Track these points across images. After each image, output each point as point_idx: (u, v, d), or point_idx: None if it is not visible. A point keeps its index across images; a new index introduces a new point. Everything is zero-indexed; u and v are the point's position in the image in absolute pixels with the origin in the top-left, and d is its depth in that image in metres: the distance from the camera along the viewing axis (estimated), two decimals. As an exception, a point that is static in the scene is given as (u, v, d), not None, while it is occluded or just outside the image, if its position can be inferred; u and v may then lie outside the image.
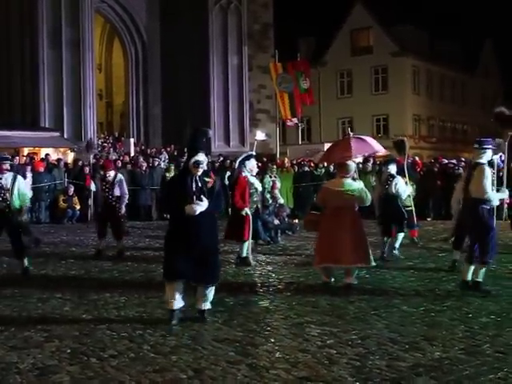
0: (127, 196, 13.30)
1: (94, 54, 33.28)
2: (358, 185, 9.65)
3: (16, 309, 8.30)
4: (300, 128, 33.42)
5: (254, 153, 12.76)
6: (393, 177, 12.32)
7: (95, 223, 14.30)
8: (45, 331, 7.06)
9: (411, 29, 47.51)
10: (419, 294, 8.99)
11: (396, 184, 12.24)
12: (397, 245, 12.33)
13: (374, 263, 9.60)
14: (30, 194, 11.16)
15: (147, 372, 5.65)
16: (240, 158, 12.09)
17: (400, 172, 12.82)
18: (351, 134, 11.01)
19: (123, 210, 13.15)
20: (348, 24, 49.06)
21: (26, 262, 10.82)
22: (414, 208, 13.87)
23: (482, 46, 55.19)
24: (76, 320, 7.66)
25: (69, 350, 6.35)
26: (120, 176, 13.33)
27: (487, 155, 9.00)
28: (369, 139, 10.72)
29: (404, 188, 12.41)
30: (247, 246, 11.92)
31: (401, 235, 12.40)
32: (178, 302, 7.44)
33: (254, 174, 11.82)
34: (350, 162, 9.69)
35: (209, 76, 35.73)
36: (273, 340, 6.63)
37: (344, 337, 6.70)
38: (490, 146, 9.06)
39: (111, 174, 13.13)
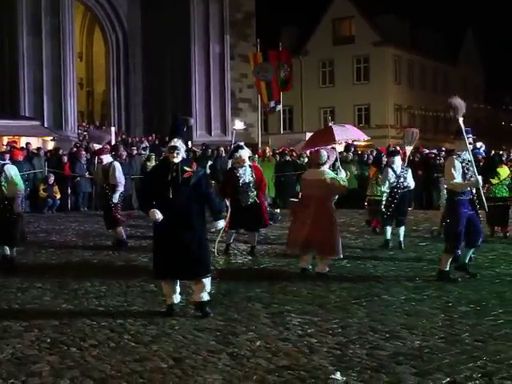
0: (120, 184, 12.52)
1: (75, 42, 32.98)
2: (332, 173, 9.79)
3: (-5, 298, 8.26)
4: (277, 110, 33.25)
5: (240, 143, 12.67)
6: (407, 168, 12.36)
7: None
8: (24, 321, 7.02)
9: (393, 18, 47.64)
10: (400, 283, 9.04)
11: (410, 176, 12.34)
12: (402, 238, 12.34)
13: (341, 255, 9.76)
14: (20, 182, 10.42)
15: (128, 361, 5.64)
16: (229, 153, 12.00)
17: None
18: (332, 122, 11.07)
19: (115, 199, 12.44)
20: (330, 13, 49.09)
21: (13, 252, 10.60)
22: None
23: (463, 35, 55.43)
24: (56, 309, 7.63)
25: (49, 340, 6.33)
26: (114, 163, 12.75)
27: (462, 145, 8.98)
28: (350, 127, 10.78)
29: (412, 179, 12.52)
30: (231, 235, 12.03)
31: (403, 228, 12.43)
32: (176, 297, 7.43)
33: (244, 164, 11.63)
34: (322, 151, 9.77)
35: (190, 65, 35.52)
36: (253, 329, 6.64)
37: (324, 326, 6.73)
38: (469, 135, 9.08)
39: (103, 158, 12.75)
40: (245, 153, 11.73)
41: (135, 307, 7.68)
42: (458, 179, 8.87)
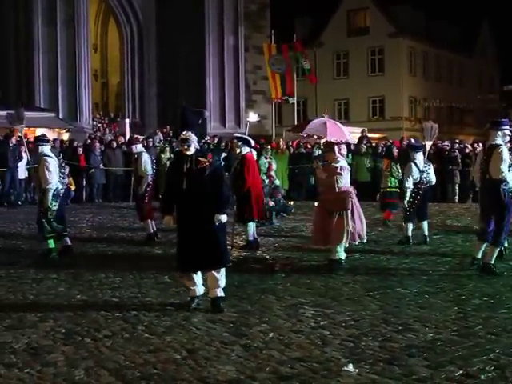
0: (147, 175, 12.14)
1: (90, 33, 33.05)
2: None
3: (11, 289, 8.32)
4: (291, 102, 33.11)
5: (236, 134, 12.60)
6: (429, 164, 12.28)
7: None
8: (39, 311, 7.09)
9: (408, 9, 47.35)
10: (413, 276, 9.03)
11: (432, 171, 12.23)
12: (426, 232, 12.23)
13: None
14: (50, 175, 10.30)
15: (141, 352, 5.68)
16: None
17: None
18: (327, 116, 11.13)
19: (141, 190, 12.14)
20: (344, 4, 48.86)
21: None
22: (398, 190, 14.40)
23: (479, 26, 55.00)
24: (71, 300, 7.69)
25: (63, 330, 6.38)
26: (142, 154, 12.37)
27: (503, 136, 9.01)
28: (342, 126, 10.85)
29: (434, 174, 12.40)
30: (250, 228, 11.79)
31: (426, 222, 12.33)
32: (200, 289, 7.36)
33: (237, 155, 11.58)
34: (343, 145, 9.97)
35: (205, 56, 35.51)
36: (267, 321, 6.66)
37: (337, 318, 6.74)
38: (506, 127, 9.08)
39: (133, 148, 12.57)
40: (237, 143, 11.62)
41: (149, 298, 7.73)
42: (506, 169, 8.92)
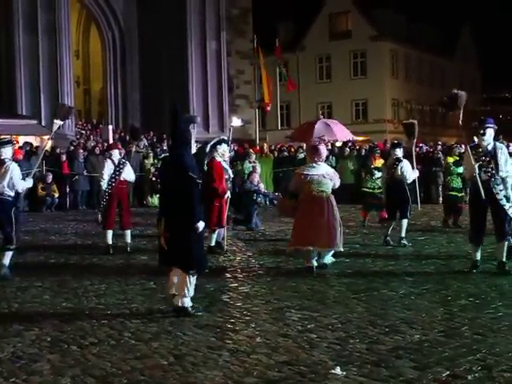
0: (101, 181, 11.73)
1: (71, 40, 32.91)
2: (330, 169, 10.05)
3: (-5, 298, 8.26)
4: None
5: (225, 137, 12.56)
6: (399, 160, 12.17)
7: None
8: (24, 320, 7.03)
9: (389, 13, 47.59)
10: (399, 277, 9.04)
11: (402, 167, 12.06)
12: (403, 234, 12.07)
13: (341, 248, 9.75)
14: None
15: (128, 359, 5.64)
16: (211, 143, 11.72)
17: (407, 156, 12.79)
18: (322, 117, 11.11)
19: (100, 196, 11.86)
20: (326, 8, 49.05)
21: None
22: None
23: (460, 29, 55.41)
24: (56, 308, 7.64)
25: (49, 339, 6.33)
26: (106, 159, 12.09)
27: (484, 135, 9.06)
28: (336, 126, 10.73)
29: (410, 172, 12.17)
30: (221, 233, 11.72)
31: (405, 221, 12.16)
32: None
33: (226, 159, 11.54)
34: (321, 147, 9.77)
35: (187, 61, 35.47)
36: (253, 325, 6.65)
37: (324, 321, 6.74)
38: (488, 125, 9.12)
39: (113, 153, 12.02)
40: (226, 147, 11.59)
41: (135, 305, 7.69)
42: (472, 169, 8.96)
